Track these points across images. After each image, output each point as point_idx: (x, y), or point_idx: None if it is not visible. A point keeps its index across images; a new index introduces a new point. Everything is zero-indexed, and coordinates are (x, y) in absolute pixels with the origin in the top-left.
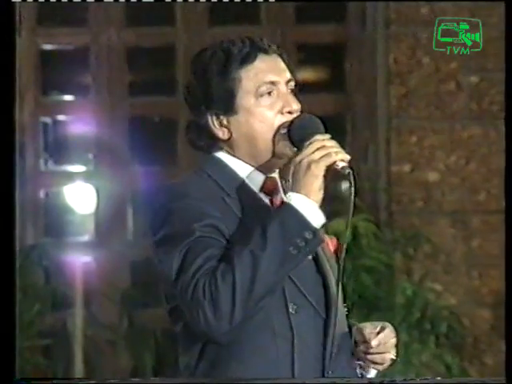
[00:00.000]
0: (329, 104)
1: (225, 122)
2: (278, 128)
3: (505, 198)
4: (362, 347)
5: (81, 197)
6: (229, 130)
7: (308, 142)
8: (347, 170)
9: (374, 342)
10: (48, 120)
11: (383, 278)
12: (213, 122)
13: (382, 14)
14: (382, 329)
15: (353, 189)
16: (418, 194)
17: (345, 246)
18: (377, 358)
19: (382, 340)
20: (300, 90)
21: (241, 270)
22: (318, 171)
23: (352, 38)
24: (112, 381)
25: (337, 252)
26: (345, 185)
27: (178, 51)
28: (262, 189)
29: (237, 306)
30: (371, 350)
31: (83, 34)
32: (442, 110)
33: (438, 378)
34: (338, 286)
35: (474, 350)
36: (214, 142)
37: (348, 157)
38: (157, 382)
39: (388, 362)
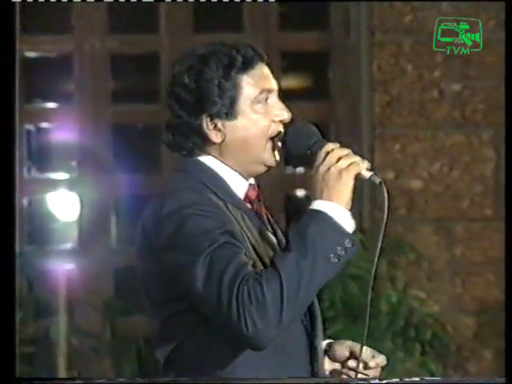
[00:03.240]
0: (312, 112)
1: (219, 125)
2: (271, 136)
3: (505, 203)
4: (350, 363)
5: (64, 204)
6: (223, 134)
7: (324, 151)
8: (378, 180)
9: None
10: (31, 127)
11: (368, 286)
12: (207, 125)
13: (366, 21)
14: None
15: (387, 198)
16: (401, 202)
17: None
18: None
19: (373, 365)
20: (284, 97)
21: (287, 276)
22: (349, 180)
23: (336, 45)
24: (99, 380)
25: None
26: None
27: (162, 59)
28: (245, 196)
29: (284, 312)
30: (364, 371)
31: (66, 42)
32: (426, 117)
33: (439, 378)
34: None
35: (457, 358)
36: (203, 145)
37: (369, 165)
38: (143, 381)
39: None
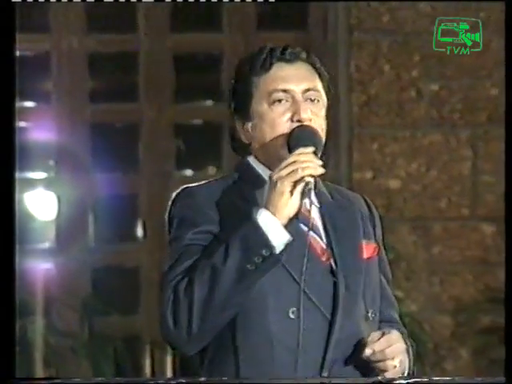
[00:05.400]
0: None
1: (246, 126)
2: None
3: (505, 203)
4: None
5: (42, 204)
6: (250, 135)
7: (290, 155)
8: (308, 187)
9: (367, 351)
10: None
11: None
12: (239, 127)
13: (344, 22)
14: (383, 335)
15: (310, 208)
16: (379, 201)
17: None
18: (379, 365)
19: (377, 348)
20: None
21: (200, 283)
22: (284, 188)
23: (313, 45)
24: (76, 380)
25: (372, 257)
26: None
27: (140, 57)
28: None
29: (194, 318)
30: (372, 358)
31: (44, 41)
32: (403, 117)
33: (439, 378)
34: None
35: (435, 356)
36: (240, 146)
37: (319, 171)
38: (120, 381)
39: (391, 369)
